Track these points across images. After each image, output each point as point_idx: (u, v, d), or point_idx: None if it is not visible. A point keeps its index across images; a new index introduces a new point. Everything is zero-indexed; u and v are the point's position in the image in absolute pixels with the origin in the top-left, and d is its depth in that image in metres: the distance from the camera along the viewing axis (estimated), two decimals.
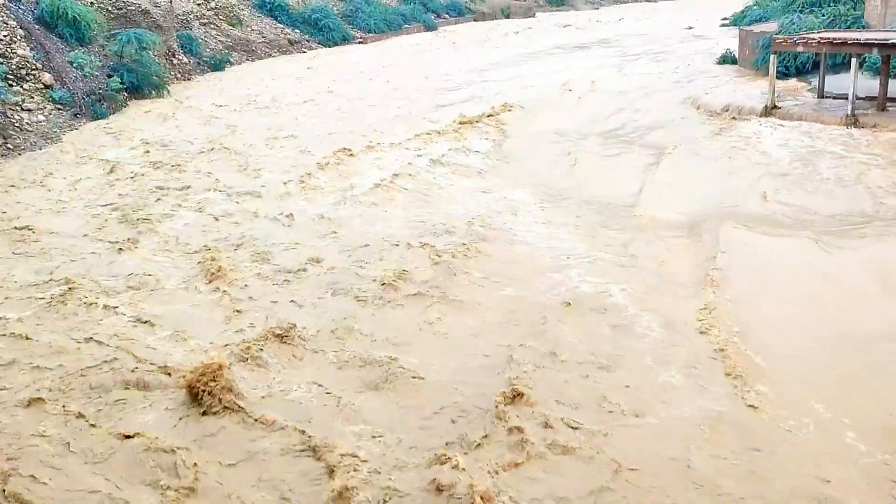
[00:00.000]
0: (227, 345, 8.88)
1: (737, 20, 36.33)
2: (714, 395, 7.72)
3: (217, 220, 13.51)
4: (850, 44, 18.18)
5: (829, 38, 18.63)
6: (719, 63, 27.97)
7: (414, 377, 8.14)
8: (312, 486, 6.55)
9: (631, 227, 12.80)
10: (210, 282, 10.77)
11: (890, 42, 17.36)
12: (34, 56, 21.56)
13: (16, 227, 13.12)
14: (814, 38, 18.90)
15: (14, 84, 20.18)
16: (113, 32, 25.42)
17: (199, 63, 31.32)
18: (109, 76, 23.49)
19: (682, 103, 21.64)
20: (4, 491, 6.42)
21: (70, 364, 8.50)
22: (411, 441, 7.09)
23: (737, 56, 27.36)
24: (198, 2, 35.00)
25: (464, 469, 6.50)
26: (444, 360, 8.56)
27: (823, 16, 25.05)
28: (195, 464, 6.76)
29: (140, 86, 24.50)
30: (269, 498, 6.43)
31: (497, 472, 6.55)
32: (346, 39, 41.88)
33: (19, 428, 7.38)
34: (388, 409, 7.63)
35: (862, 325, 9.07)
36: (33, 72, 21.02)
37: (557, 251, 11.75)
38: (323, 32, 40.80)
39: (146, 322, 9.58)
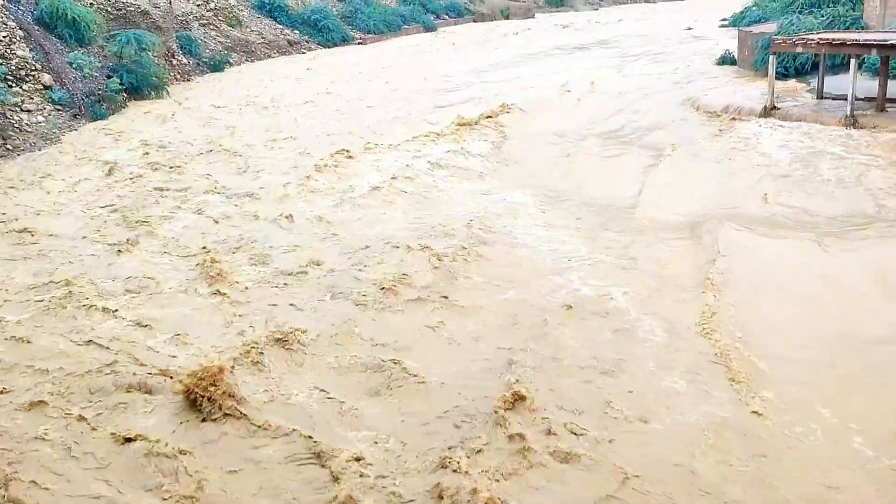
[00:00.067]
0: (227, 348, 8.85)
1: (736, 21, 36.32)
2: (718, 400, 7.69)
3: (216, 222, 13.48)
4: (849, 44, 18.17)
5: (828, 39, 18.62)
6: (718, 64, 27.96)
7: (417, 381, 8.12)
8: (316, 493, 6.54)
9: (631, 229, 12.79)
10: (209, 284, 10.74)
11: (889, 43, 17.35)
12: (34, 57, 21.53)
13: (14, 229, 13.09)
14: (813, 39, 18.89)
15: (13, 85, 20.15)
16: (112, 33, 25.40)
17: (198, 64, 31.29)
18: (109, 77, 23.46)
19: (681, 104, 21.61)
20: (5, 496, 6.39)
21: (70, 367, 8.47)
22: (415, 446, 7.06)
23: (736, 57, 27.34)
24: (197, 3, 34.96)
25: (468, 473, 6.47)
26: (446, 363, 8.54)
27: (822, 17, 25.05)
28: (196, 471, 6.73)
29: (139, 87, 24.47)
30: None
31: (500, 480, 6.52)
32: (345, 40, 41.86)
33: (20, 431, 7.35)
34: (391, 414, 7.60)
35: (864, 328, 9.06)
36: (33, 73, 20.99)
37: (558, 254, 11.74)
38: (322, 33, 40.78)
39: (146, 325, 9.55)
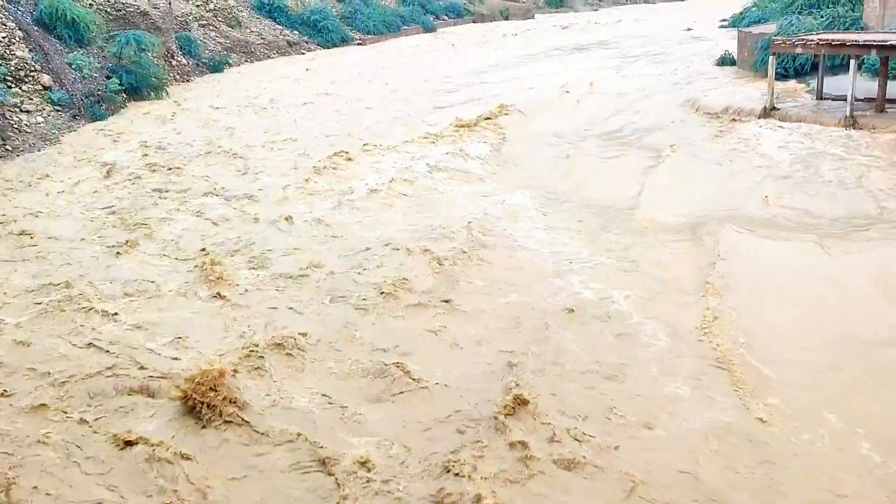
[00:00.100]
0: (227, 352, 8.82)
1: (735, 21, 36.32)
2: (722, 405, 7.66)
3: (216, 224, 13.44)
4: (848, 45, 18.16)
5: (827, 40, 18.61)
6: (718, 65, 27.95)
7: (419, 385, 8.09)
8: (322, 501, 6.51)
9: (631, 231, 12.76)
10: (209, 287, 10.71)
11: (888, 43, 17.34)
12: (33, 57, 21.48)
13: (13, 231, 13.05)
14: (812, 40, 18.88)
15: (13, 85, 20.10)
16: (112, 34, 25.34)
17: (197, 64, 31.24)
18: (108, 78, 23.41)
19: (681, 105, 21.60)
20: (7, 502, 6.36)
21: (71, 370, 8.43)
22: (418, 451, 7.02)
23: (736, 57, 27.33)
24: (197, 3, 34.91)
25: (472, 479, 6.45)
26: (448, 367, 8.51)
27: (822, 17, 25.05)
28: (201, 476, 6.70)
29: (139, 87, 24.42)
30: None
31: (503, 485, 6.49)
32: (344, 41, 41.82)
33: (21, 435, 7.31)
34: (393, 419, 7.57)
35: (867, 330, 9.04)
36: (32, 73, 20.94)
37: (559, 256, 11.71)
38: (322, 34, 40.73)
39: (145, 328, 9.51)
